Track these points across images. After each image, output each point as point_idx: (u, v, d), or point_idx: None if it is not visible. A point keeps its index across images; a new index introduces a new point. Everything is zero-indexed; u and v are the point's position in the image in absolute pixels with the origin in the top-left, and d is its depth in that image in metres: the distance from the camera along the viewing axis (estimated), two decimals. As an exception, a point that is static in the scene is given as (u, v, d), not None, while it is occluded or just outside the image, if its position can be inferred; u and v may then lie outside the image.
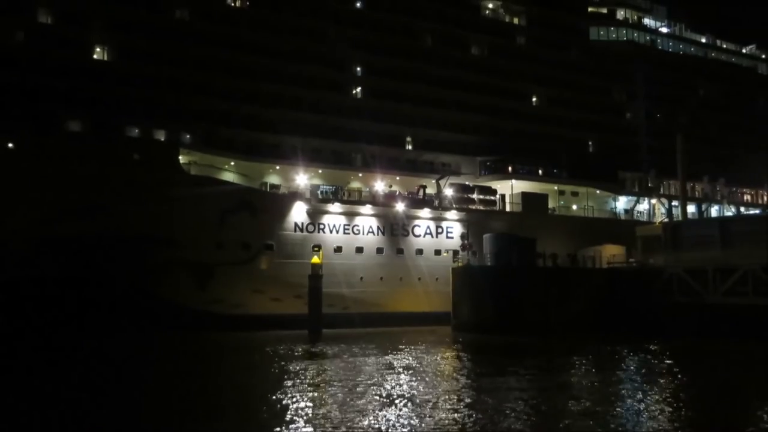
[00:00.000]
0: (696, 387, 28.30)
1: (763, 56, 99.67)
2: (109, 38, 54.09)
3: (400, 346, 41.24)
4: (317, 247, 53.66)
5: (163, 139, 53.84)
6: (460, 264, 55.29)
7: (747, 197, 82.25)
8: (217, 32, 57.77)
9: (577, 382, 29.29)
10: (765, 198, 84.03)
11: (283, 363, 33.98)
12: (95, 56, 54.08)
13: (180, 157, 52.20)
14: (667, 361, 36.21)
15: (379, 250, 58.13)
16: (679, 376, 31.12)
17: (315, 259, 52.52)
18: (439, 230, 60.30)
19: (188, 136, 55.18)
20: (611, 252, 61.87)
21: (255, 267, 52.61)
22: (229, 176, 55.52)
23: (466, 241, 56.65)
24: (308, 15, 62.34)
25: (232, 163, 56.56)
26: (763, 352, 39.91)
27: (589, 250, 61.41)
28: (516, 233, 56.42)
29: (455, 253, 57.86)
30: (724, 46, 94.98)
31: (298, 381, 28.20)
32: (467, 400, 23.98)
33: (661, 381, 29.33)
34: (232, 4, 60.79)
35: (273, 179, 59.05)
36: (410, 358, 35.97)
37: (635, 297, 51.96)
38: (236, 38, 58.55)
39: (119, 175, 47.28)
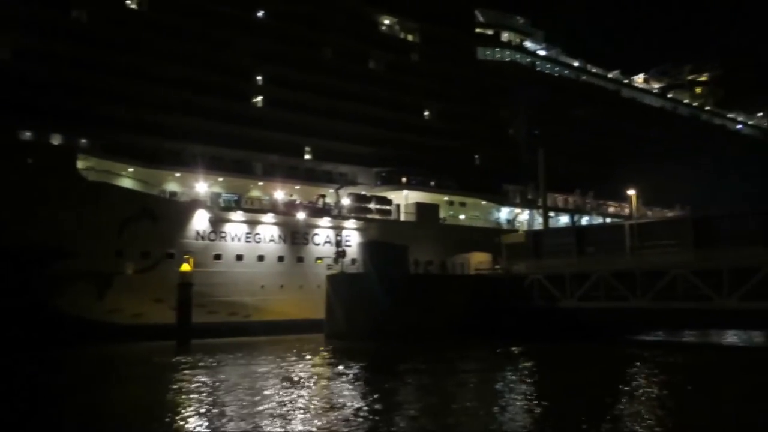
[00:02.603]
0: (545, 388, 30.52)
1: (626, 81, 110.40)
2: (-1, 36, 51.71)
3: (266, 355, 41.64)
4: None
5: (57, 144, 52.11)
6: (334, 271, 55.46)
7: (612, 209, 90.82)
8: (116, 35, 56.78)
9: (440, 385, 30.96)
10: (626, 210, 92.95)
11: (156, 376, 34.06)
12: (-17, 54, 51.49)
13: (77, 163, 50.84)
14: (526, 364, 38.58)
15: (280, 258, 59.33)
16: (534, 378, 33.71)
17: (185, 267, 50.96)
18: (339, 239, 62.31)
19: (84, 141, 53.80)
20: (479, 259, 63.34)
21: (125, 274, 51.24)
22: (127, 183, 54.71)
23: (340, 249, 56.66)
24: (211, 22, 62.40)
25: (131, 170, 55.73)
26: (611, 353, 43.23)
27: (458, 258, 62.85)
28: (401, 241, 56.83)
29: (337, 257, 57.84)
30: (593, 70, 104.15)
31: (163, 395, 28.19)
32: (342, 407, 24.75)
33: (516, 383, 31.35)
34: (132, 7, 59.71)
35: (172, 186, 58.67)
36: (276, 366, 36.52)
37: (501, 302, 53.77)
38: (136, 42, 57.78)
39: (11, 181, 45.53)
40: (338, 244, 58.01)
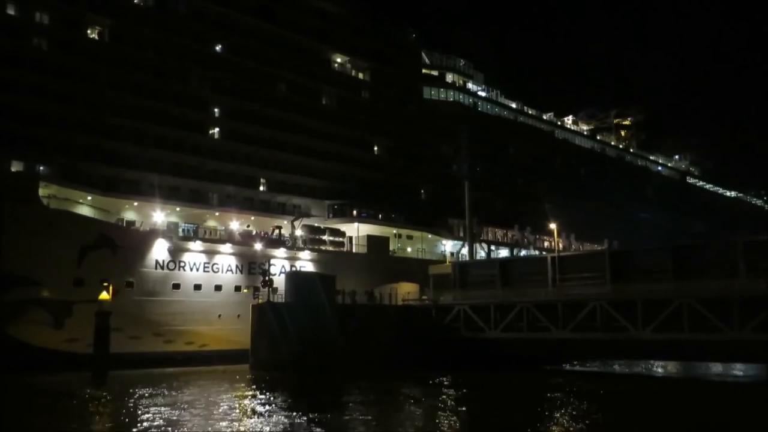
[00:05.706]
0: (471, 417, 32.87)
1: (559, 123, 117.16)
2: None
3: (181, 386, 41.92)
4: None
5: (15, 170, 52.00)
6: (260, 301, 54.57)
7: (547, 243, 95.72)
8: (76, 65, 57.26)
9: (366, 417, 31.61)
10: (561, 244, 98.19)
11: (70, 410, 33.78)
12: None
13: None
14: (451, 394, 40.33)
15: (237, 288, 60.24)
16: (460, 407, 35.93)
17: (103, 296, 49.03)
18: (293, 269, 63.68)
19: (42, 168, 53.81)
20: (406, 289, 63.82)
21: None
22: (85, 211, 54.81)
23: (266, 278, 55.41)
24: (170, 55, 63.58)
25: (89, 198, 55.87)
26: (534, 382, 45.06)
27: (385, 287, 62.81)
28: (351, 271, 59.58)
29: (255, 289, 57.57)
30: (530, 111, 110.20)
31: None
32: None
33: (440, 414, 32.75)
34: (93, 37, 60.31)
35: (130, 215, 59.10)
36: (194, 398, 36.77)
37: (427, 332, 54.15)
38: (96, 73, 58.43)
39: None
40: (264, 273, 56.38)
